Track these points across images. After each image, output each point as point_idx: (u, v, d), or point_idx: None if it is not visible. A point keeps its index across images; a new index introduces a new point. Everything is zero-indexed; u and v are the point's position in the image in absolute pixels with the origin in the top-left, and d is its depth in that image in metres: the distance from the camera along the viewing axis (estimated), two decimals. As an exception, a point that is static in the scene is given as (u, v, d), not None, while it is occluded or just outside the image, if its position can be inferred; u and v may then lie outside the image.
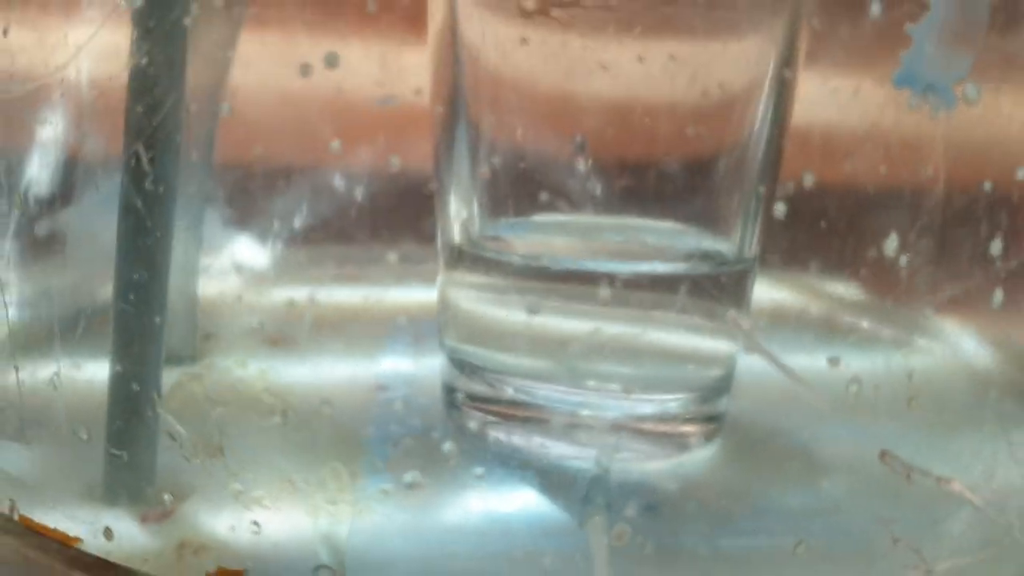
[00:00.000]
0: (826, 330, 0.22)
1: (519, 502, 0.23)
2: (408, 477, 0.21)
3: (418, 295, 0.26)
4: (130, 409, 0.21)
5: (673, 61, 0.23)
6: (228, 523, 0.21)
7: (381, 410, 0.23)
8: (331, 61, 0.19)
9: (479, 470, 0.22)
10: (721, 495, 0.25)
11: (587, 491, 0.21)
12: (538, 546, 0.22)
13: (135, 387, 0.21)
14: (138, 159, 0.20)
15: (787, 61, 0.24)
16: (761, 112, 0.24)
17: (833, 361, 0.21)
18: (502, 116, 0.25)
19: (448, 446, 0.21)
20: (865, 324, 0.22)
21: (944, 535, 0.22)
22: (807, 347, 0.21)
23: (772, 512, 0.24)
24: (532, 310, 0.24)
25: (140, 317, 0.21)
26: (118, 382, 0.21)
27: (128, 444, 0.22)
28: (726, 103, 0.24)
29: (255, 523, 0.21)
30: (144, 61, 0.20)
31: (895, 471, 0.21)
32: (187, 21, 0.20)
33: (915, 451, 0.21)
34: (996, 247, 0.21)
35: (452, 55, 0.24)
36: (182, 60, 0.20)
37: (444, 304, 0.26)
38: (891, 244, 0.20)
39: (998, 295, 0.21)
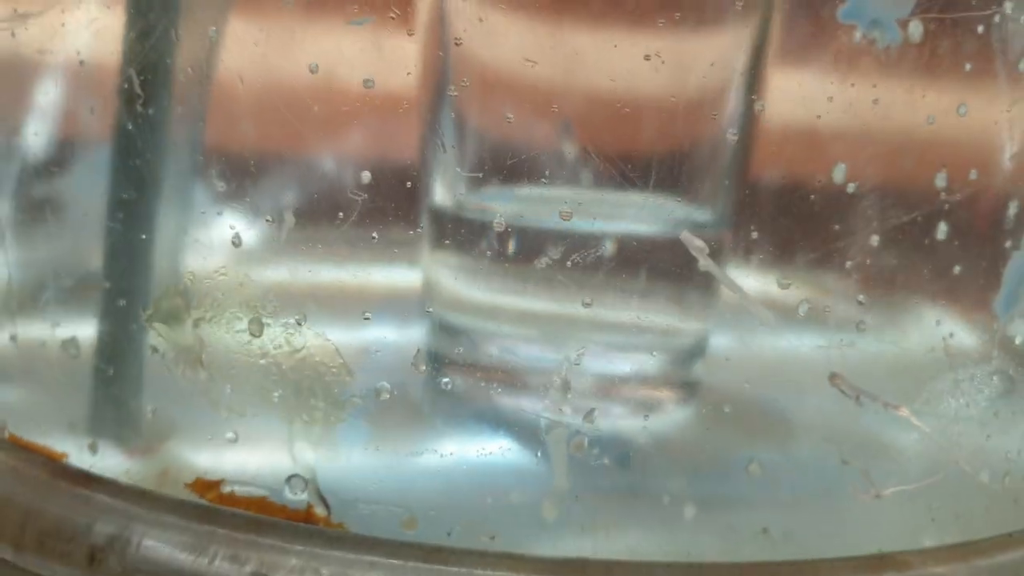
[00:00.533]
0: (776, 258, 0.23)
1: (491, 447, 0.24)
2: (380, 385, 0.22)
3: (402, 272, 0.26)
4: (116, 324, 0.22)
5: (653, 52, 0.24)
6: (206, 433, 0.22)
7: (376, 337, 0.24)
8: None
9: (446, 380, 0.23)
10: (690, 448, 0.26)
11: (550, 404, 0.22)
12: (506, 483, 0.23)
13: (122, 303, 0.22)
14: (130, 83, 0.21)
15: (760, 50, 0.25)
16: (737, 96, 0.25)
17: (784, 285, 0.22)
18: (488, 102, 0.25)
19: (418, 357, 0.22)
20: (814, 249, 0.23)
21: (892, 461, 0.22)
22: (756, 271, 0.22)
23: (733, 451, 0.25)
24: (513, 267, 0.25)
25: (127, 234, 0.22)
26: (107, 298, 0.22)
27: (114, 358, 0.23)
28: (705, 91, 0.25)
29: (232, 433, 0.22)
30: (139, -10, 0.21)
31: (845, 393, 0.22)
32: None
33: (864, 376, 0.22)
34: (940, 180, 0.22)
35: (439, 40, 0.25)
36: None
37: (428, 273, 0.27)
38: (839, 173, 0.21)
39: (942, 227, 0.22)
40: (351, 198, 0.21)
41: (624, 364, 0.27)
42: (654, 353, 0.27)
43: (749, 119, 0.25)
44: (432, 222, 0.27)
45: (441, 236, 0.27)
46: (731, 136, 0.23)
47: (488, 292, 0.26)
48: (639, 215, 0.26)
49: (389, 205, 0.23)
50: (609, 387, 0.26)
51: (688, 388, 0.27)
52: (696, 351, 0.27)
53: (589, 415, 0.23)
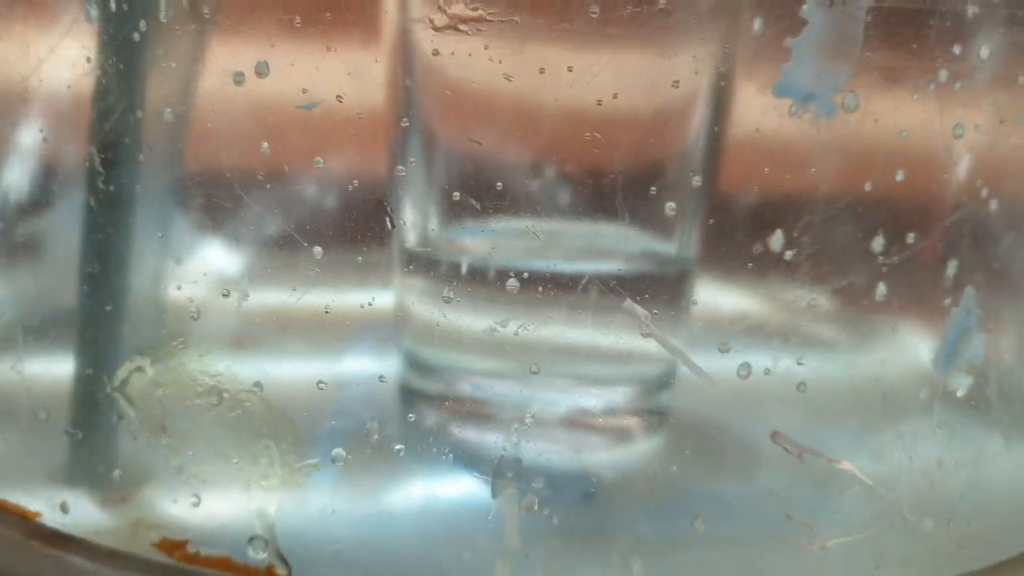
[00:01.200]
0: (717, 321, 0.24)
1: (455, 488, 0.25)
2: (335, 452, 0.22)
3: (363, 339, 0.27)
4: (85, 391, 0.23)
5: (619, 73, 0.24)
6: (170, 496, 0.23)
7: (330, 404, 0.24)
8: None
9: (399, 446, 0.23)
10: (654, 484, 0.26)
11: (500, 467, 0.22)
12: (459, 542, 0.24)
13: (90, 371, 0.23)
14: (91, 161, 0.22)
15: (724, 72, 0.26)
16: (700, 121, 0.26)
17: (723, 347, 0.22)
18: (455, 126, 0.26)
19: (372, 425, 0.23)
20: (754, 314, 0.24)
21: (836, 512, 0.23)
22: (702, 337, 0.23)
23: (685, 496, 0.25)
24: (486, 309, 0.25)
25: (93, 306, 0.23)
26: (77, 366, 0.23)
27: (82, 424, 0.23)
28: (669, 113, 0.26)
29: (195, 496, 0.23)
30: (99, 71, 0.22)
31: (787, 451, 0.23)
32: (136, 36, 0.22)
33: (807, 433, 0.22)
34: (878, 244, 0.22)
35: (405, 64, 0.26)
36: (133, 70, 0.22)
37: (401, 307, 0.28)
38: (776, 240, 0.22)
39: (881, 289, 0.23)
40: (306, 271, 0.22)
41: (594, 398, 0.27)
42: (624, 385, 0.27)
43: (714, 154, 0.25)
44: (403, 258, 0.27)
45: (412, 270, 0.27)
46: (696, 181, 0.24)
47: (456, 326, 0.26)
48: (607, 247, 0.26)
49: (342, 278, 0.23)
50: (576, 419, 0.27)
51: (656, 418, 0.28)
52: (664, 383, 0.28)
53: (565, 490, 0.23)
